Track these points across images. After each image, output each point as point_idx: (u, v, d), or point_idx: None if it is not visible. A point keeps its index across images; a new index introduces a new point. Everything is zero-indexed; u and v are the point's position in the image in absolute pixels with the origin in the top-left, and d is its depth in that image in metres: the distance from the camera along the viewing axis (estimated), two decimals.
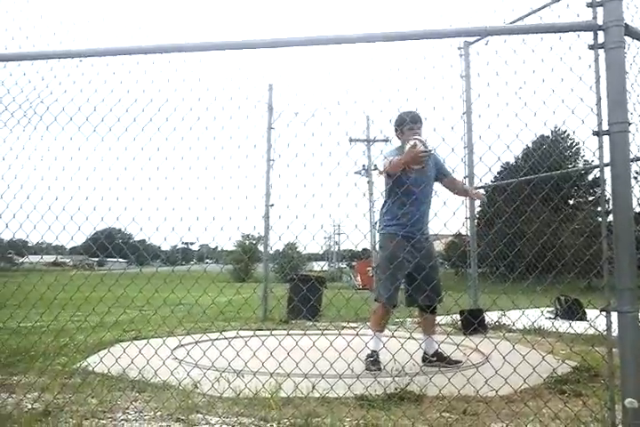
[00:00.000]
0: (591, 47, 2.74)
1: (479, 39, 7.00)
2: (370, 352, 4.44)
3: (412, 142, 4.35)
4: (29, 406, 3.17)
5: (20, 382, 3.71)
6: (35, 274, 4.45)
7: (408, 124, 4.58)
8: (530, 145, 9.62)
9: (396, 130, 4.77)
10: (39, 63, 3.36)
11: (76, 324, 5.69)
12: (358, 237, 5.11)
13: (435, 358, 4.68)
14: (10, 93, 3.41)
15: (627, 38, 2.71)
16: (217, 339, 4.32)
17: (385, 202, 4.81)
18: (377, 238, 5.00)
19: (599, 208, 2.97)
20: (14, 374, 3.99)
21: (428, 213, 4.69)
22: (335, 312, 7.21)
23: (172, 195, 3.20)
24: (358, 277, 32.03)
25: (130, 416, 3.06)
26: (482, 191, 6.10)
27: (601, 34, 2.70)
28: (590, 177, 20.26)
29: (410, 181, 4.45)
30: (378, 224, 4.86)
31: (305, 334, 3.67)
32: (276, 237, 3.40)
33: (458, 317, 7.15)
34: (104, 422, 2.94)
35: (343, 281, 35.25)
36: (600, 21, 2.69)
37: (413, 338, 3.92)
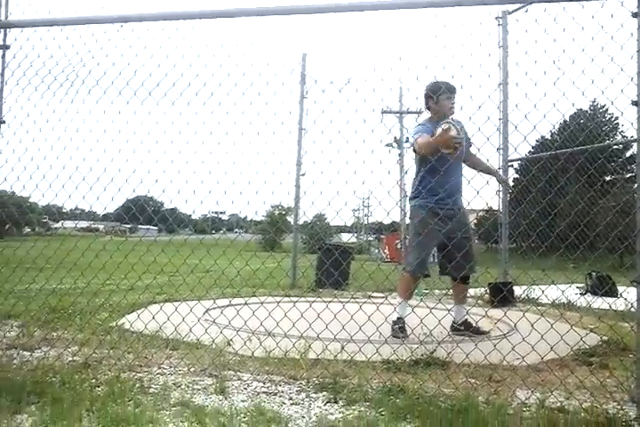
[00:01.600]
0: (634, 15, 2.69)
1: (519, 8, 6.85)
2: (396, 319, 4.50)
3: (445, 126, 4.28)
4: (70, 359, 3.31)
5: (61, 337, 3.87)
6: (69, 239, 4.58)
7: (445, 92, 4.46)
8: (567, 119, 9.46)
9: (430, 99, 4.61)
10: (81, 28, 3.41)
11: (113, 286, 5.86)
12: (388, 208, 5.13)
13: (462, 327, 4.72)
14: (53, 57, 3.48)
15: None
16: (249, 302, 4.41)
17: (417, 172, 4.77)
18: (408, 208, 4.96)
19: (635, 185, 2.94)
20: (54, 329, 4.15)
21: (461, 184, 4.65)
22: (363, 281, 7.27)
23: (208, 159, 3.26)
24: (386, 250, 32.03)
25: (165, 371, 3.19)
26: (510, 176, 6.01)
27: None
28: (629, 153, 19.84)
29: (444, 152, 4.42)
30: (410, 193, 4.84)
31: (335, 300, 3.74)
32: (306, 208, 3.45)
33: (487, 289, 7.16)
34: (140, 375, 3.07)
35: (371, 253, 35.27)
36: None
37: (443, 306, 3.96)
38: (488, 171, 4.66)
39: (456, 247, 4.13)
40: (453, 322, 4.77)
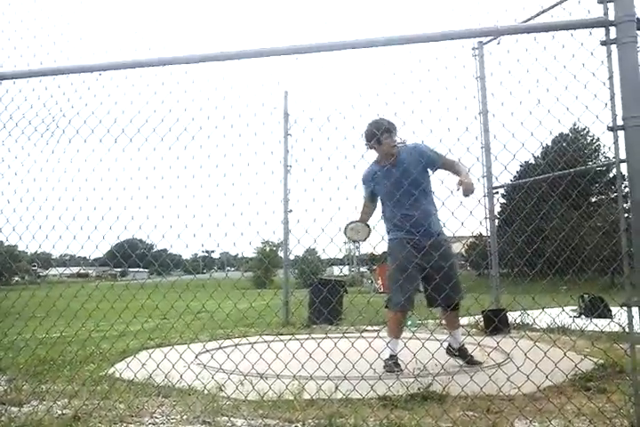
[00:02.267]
0: (603, 43, 2.75)
1: (492, 39, 7.00)
2: (388, 357, 4.45)
3: None
4: (59, 413, 3.24)
5: (50, 390, 3.79)
6: (59, 286, 4.53)
7: (385, 132, 4.52)
8: (549, 144, 9.58)
9: (370, 143, 4.62)
10: (60, 78, 3.45)
11: (102, 333, 5.77)
12: (376, 239, 5.14)
13: (458, 353, 4.68)
14: (32, 108, 3.51)
15: (639, 33, 2.72)
16: (240, 344, 4.36)
17: (382, 208, 4.83)
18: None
19: (620, 206, 2.97)
20: (43, 382, 4.06)
21: (429, 213, 4.59)
22: (356, 315, 7.23)
23: (191, 202, 3.26)
24: (379, 281, 31.93)
25: (157, 420, 3.12)
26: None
27: (613, 30, 2.71)
28: (611, 174, 20.07)
29: (387, 188, 4.49)
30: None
31: (327, 337, 3.71)
32: (296, 243, 3.44)
33: (480, 317, 7.13)
34: (132, 426, 3.00)
35: (364, 285, 35.14)
36: (612, 17, 2.71)
37: (435, 338, 3.93)
38: (457, 173, 4.53)
39: (440, 277, 4.09)
40: (450, 346, 4.74)
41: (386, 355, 4.39)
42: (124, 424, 3.02)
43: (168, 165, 3.29)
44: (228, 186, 3.22)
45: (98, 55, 3.40)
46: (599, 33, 2.85)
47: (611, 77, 2.78)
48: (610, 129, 2.72)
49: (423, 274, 4.47)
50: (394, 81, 3.12)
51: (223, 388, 3.63)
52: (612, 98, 2.75)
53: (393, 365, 4.39)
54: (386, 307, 4.75)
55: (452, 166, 4.52)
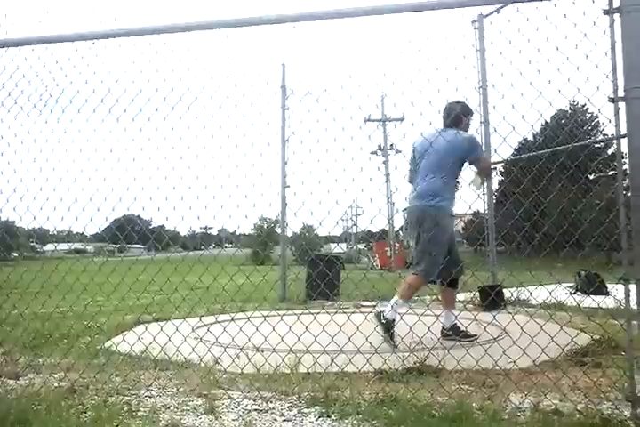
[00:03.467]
0: (606, 12, 2.69)
1: (493, 11, 6.89)
2: (387, 321, 4.41)
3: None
4: (56, 385, 3.23)
5: (46, 363, 3.79)
6: (56, 261, 4.51)
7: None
8: (548, 120, 9.51)
9: (465, 117, 4.83)
10: (53, 47, 3.37)
11: (98, 308, 5.77)
12: (375, 216, 5.10)
13: (451, 332, 4.69)
14: (25, 77, 3.44)
15: None
16: (236, 318, 4.34)
17: (440, 175, 4.72)
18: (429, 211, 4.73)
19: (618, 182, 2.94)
20: (40, 355, 4.06)
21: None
22: (353, 291, 7.24)
23: (187, 174, 3.22)
24: (376, 258, 32.02)
25: (153, 393, 3.12)
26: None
27: None
28: (610, 151, 20.01)
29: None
30: (425, 195, 4.71)
31: (323, 311, 3.70)
32: (294, 219, 3.40)
33: (477, 294, 7.14)
34: (128, 398, 3.00)
35: (362, 262, 35.23)
36: None
37: (432, 313, 3.93)
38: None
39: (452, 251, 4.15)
40: (443, 328, 4.75)
41: (388, 315, 4.42)
42: (121, 397, 3.02)
43: (163, 135, 3.24)
44: (224, 158, 3.18)
45: (91, 24, 3.32)
46: (602, 1, 2.79)
47: (613, 47, 2.72)
48: (611, 100, 2.67)
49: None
50: (392, 51, 3.06)
51: (219, 361, 3.63)
52: (614, 69, 2.70)
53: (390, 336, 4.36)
54: (415, 273, 4.69)
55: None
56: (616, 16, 2.65)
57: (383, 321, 4.37)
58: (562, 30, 2.87)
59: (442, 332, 4.72)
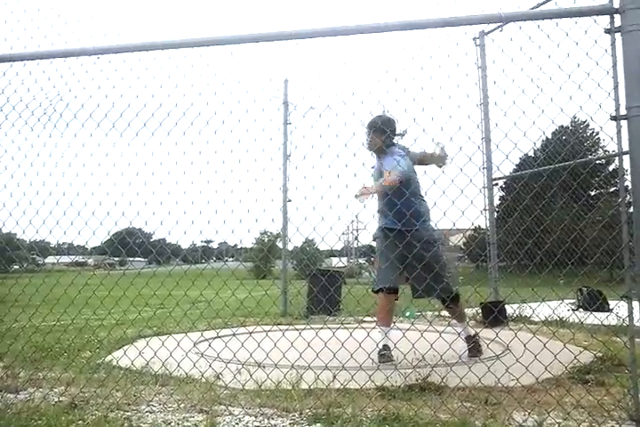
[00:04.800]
0: (608, 31, 2.72)
1: (494, 29, 6.94)
2: (382, 347, 4.39)
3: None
4: (56, 400, 3.22)
5: (46, 377, 3.77)
6: (57, 274, 4.51)
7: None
8: (549, 136, 9.53)
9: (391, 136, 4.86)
10: (58, 62, 3.40)
11: (99, 321, 5.76)
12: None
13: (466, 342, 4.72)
14: (30, 92, 3.46)
15: None
16: (238, 333, 4.34)
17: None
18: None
19: (620, 199, 2.95)
20: (40, 369, 4.04)
21: (413, 208, 4.50)
22: (354, 306, 7.21)
23: (190, 189, 3.23)
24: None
25: (154, 408, 3.10)
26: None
27: (617, 17, 2.68)
28: (612, 167, 20.03)
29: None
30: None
31: (325, 327, 3.69)
32: (294, 232, 3.41)
33: (479, 309, 7.13)
34: (129, 413, 2.98)
35: (363, 277, 35.11)
36: (617, 4, 2.67)
37: (434, 329, 3.91)
38: (430, 160, 4.74)
39: (423, 268, 4.11)
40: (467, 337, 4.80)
41: (380, 345, 4.37)
42: (121, 412, 3.00)
43: (166, 150, 3.26)
44: (227, 173, 3.19)
45: (96, 39, 3.35)
46: (604, 21, 2.81)
47: (614, 66, 2.74)
48: (613, 118, 2.69)
49: (407, 265, 4.54)
50: (395, 68, 3.08)
51: (221, 377, 3.61)
52: (616, 87, 2.72)
53: (383, 358, 4.33)
54: (374, 291, 4.78)
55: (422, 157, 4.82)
56: (617, 35, 2.68)
57: (382, 353, 4.37)
58: (564, 48, 2.89)
59: (468, 341, 4.74)
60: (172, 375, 3.68)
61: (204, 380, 3.55)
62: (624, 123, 2.63)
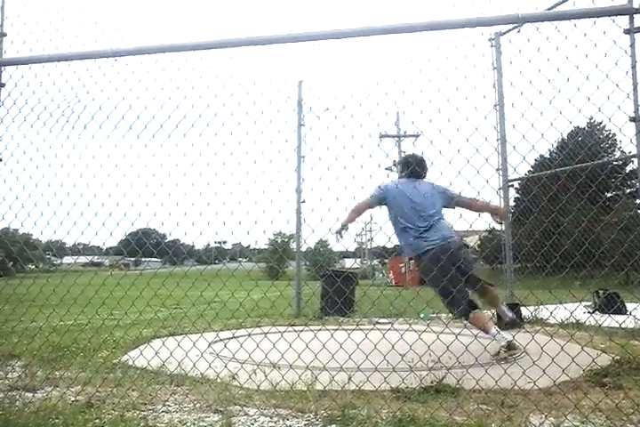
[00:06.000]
0: (627, 32, 2.70)
1: (511, 29, 6.90)
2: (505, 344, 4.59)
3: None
4: (73, 399, 3.24)
5: (63, 376, 3.80)
6: (73, 274, 4.54)
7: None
8: (565, 137, 9.47)
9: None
10: (75, 63, 3.43)
11: (115, 321, 5.80)
12: (389, 232, 5.16)
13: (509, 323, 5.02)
14: (48, 94, 3.49)
15: None
16: (253, 333, 4.35)
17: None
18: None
19: (638, 200, 2.91)
20: (57, 368, 4.08)
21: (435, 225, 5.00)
22: (368, 308, 7.21)
23: (205, 190, 3.24)
24: (391, 274, 31.87)
25: (170, 408, 3.12)
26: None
27: (637, 18, 2.65)
28: (629, 168, 19.83)
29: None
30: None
31: (340, 328, 3.68)
32: (309, 233, 3.41)
33: (494, 311, 7.08)
34: (145, 413, 3.00)
35: (376, 278, 35.06)
36: (636, 4, 2.65)
37: (450, 331, 3.89)
38: (483, 208, 5.13)
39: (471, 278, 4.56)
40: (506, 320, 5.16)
41: (502, 343, 4.56)
42: (137, 412, 3.02)
43: (182, 152, 3.27)
44: (243, 174, 3.19)
45: (114, 41, 3.38)
46: (623, 21, 2.79)
47: (634, 67, 2.72)
48: (632, 120, 2.67)
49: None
50: (411, 69, 3.07)
51: (236, 377, 3.62)
52: (635, 88, 2.70)
53: (512, 346, 4.54)
54: (463, 316, 4.93)
55: (469, 204, 5.14)
56: (637, 35, 2.66)
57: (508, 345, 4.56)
58: (582, 49, 2.87)
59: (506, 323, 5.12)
60: (188, 375, 3.69)
61: (219, 380, 3.56)
62: None
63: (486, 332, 4.67)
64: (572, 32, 2.90)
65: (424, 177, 5.29)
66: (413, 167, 5.14)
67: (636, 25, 2.69)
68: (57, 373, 3.94)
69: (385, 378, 3.19)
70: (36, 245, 5.33)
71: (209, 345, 4.58)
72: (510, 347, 4.54)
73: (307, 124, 9.26)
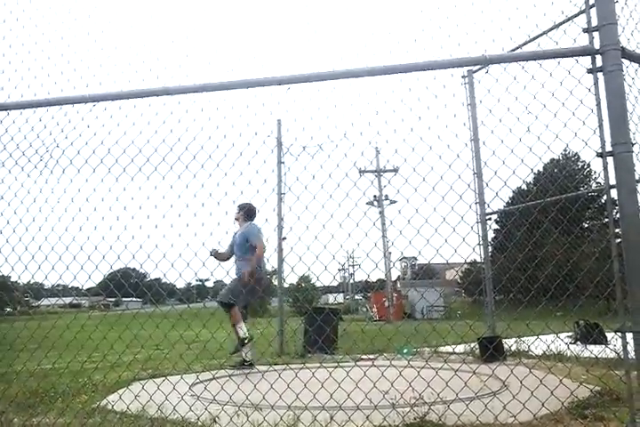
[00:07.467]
0: (590, 71, 2.80)
1: (482, 67, 7.10)
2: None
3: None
4: None
5: (41, 423, 3.72)
6: (51, 317, 4.50)
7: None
8: (540, 169, 9.65)
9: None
10: (53, 109, 3.48)
11: (94, 364, 5.70)
12: (371, 267, 5.16)
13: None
14: (26, 139, 3.53)
15: (624, 61, 2.77)
16: (234, 374, 4.32)
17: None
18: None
19: (615, 230, 2.99)
20: (35, 414, 3.99)
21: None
22: (351, 344, 7.17)
23: (185, 231, 3.26)
24: (374, 309, 31.72)
25: None
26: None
27: (599, 58, 2.76)
28: (603, 200, 20.17)
29: None
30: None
31: (321, 366, 3.67)
32: (290, 271, 3.43)
33: (476, 345, 7.09)
34: None
35: (360, 313, 34.86)
36: (597, 46, 2.76)
37: (430, 367, 3.90)
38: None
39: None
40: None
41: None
42: None
43: (161, 194, 3.30)
44: (222, 215, 3.23)
45: (92, 87, 3.44)
46: (586, 61, 2.91)
47: (598, 104, 2.82)
48: (599, 155, 2.75)
49: None
50: (385, 110, 3.16)
51: (217, 419, 3.57)
52: (601, 125, 2.79)
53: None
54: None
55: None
56: (600, 75, 2.77)
57: None
58: (548, 88, 2.98)
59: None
60: (168, 419, 3.63)
61: (200, 423, 3.51)
62: (610, 160, 2.69)
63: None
64: (539, 71, 3.02)
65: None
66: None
67: (598, 65, 2.79)
68: (34, 419, 3.86)
69: (367, 416, 3.18)
70: (14, 288, 5.27)
71: (189, 387, 4.52)
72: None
73: (286, 162, 9.35)
